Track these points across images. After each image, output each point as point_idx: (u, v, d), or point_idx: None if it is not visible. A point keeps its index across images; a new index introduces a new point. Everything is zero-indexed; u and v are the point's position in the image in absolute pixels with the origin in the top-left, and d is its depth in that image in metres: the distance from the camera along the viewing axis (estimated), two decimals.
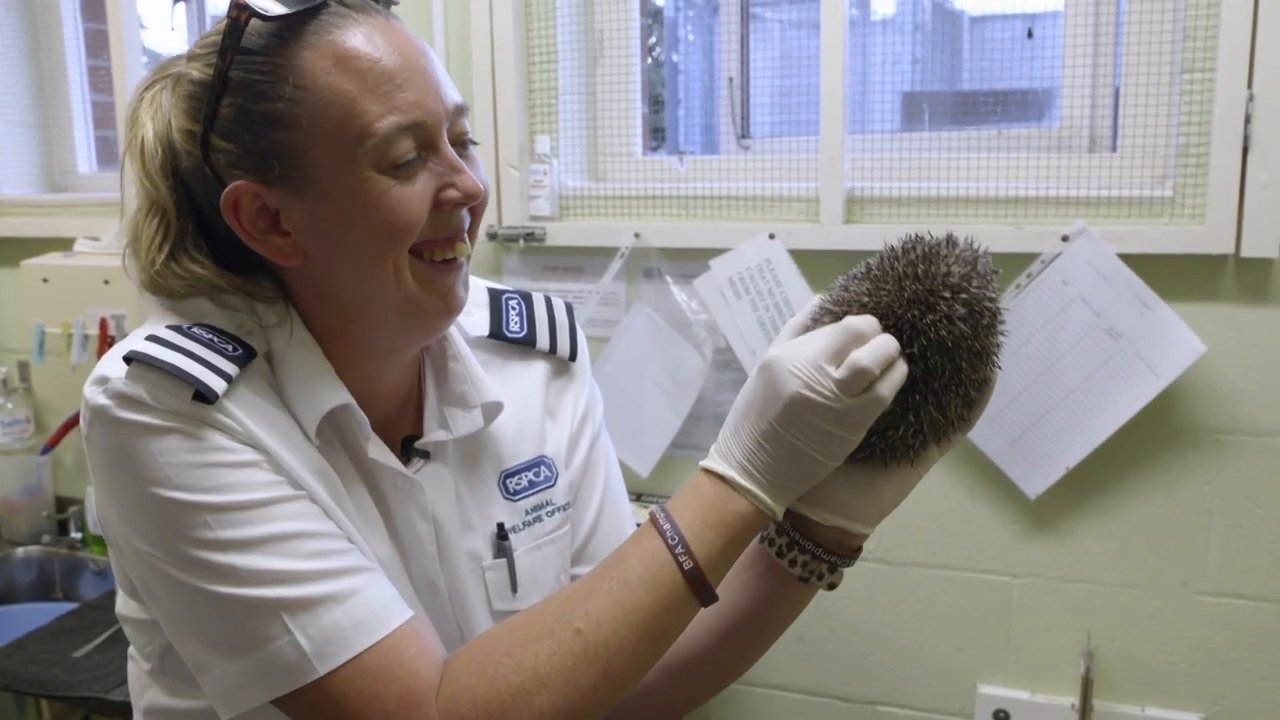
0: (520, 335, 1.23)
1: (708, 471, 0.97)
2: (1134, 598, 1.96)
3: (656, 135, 2.44)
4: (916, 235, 0.97)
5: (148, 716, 1.16)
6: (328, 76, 0.96)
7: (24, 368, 2.81)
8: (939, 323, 0.92)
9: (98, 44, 2.79)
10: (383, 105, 0.96)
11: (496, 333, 1.21)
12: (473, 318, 1.21)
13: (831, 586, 1.07)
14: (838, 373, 0.90)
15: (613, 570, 0.97)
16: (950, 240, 0.96)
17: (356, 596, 0.97)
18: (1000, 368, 0.99)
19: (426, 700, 0.95)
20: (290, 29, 0.97)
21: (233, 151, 0.99)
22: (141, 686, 1.16)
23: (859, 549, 1.06)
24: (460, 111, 1.02)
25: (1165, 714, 1.95)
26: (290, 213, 1.00)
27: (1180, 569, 1.93)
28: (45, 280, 2.56)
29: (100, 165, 2.88)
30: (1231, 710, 1.92)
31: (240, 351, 1.01)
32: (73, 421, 2.70)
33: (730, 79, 2.31)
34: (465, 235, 1.04)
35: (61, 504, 2.77)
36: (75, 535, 2.70)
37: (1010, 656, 2.04)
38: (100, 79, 2.81)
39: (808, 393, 0.90)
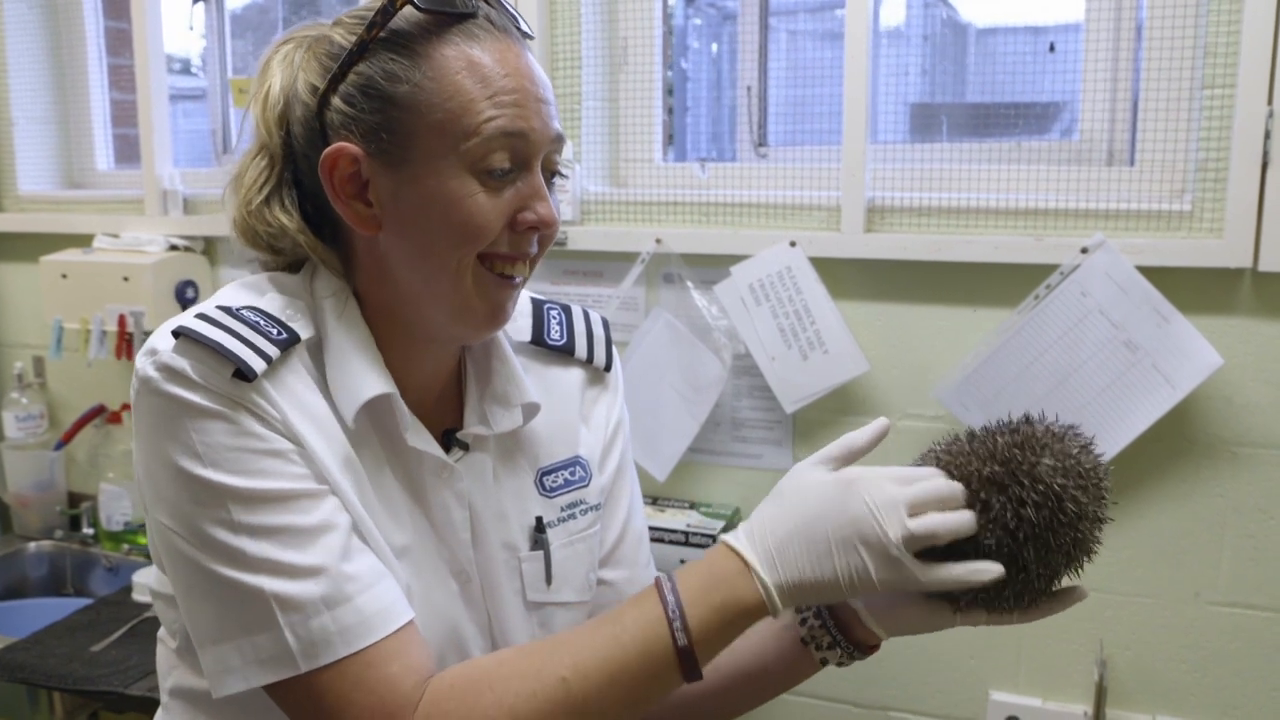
0: (560, 343, 1.29)
1: (730, 549, 1.01)
2: (1147, 607, 1.97)
3: (666, 142, 2.45)
4: (1026, 419, 1.01)
5: (174, 697, 1.19)
6: (457, 75, 1.03)
7: (39, 363, 2.81)
8: (1007, 505, 0.95)
9: (118, 42, 2.81)
10: (495, 111, 1.03)
11: (538, 339, 1.27)
12: (516, 323, 1.26)
13: (840, 664, 1.13)
14: (912, 524, 0.95)
15: (608, 626, 1.01)
16: (1061, 433, 1.00)
17: (349, 603, 1.00)
18: (1079, 576, 1.01)
19: (402, 716, 0.98)
20: (438, 26, 1.04)
21: (348, 115, 1.05)
22: (169, 667, 1.20)
23: (874, 647, 1.12)
24: (559, 141, 1.08)
25: None
26: (380, 185, 1.06)
27: (1193, 579, 1.94)
28: (64, 276, 2.58)
29: (119, 163, 2.89)
30: None
31: (284, 336, 1.06)
32: (87, 417, 2.72)
33: (749, 88, 2.32)
34: (528, 260, 1.10)
35: (74, 499, 2.79)
36: (87, 531, 2.70)
37: (1023, 664, 2.06)
38: (120, 77, 2.83)
39: (873, 522, 0.95)
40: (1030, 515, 0.95)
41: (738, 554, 1.00)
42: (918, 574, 0.95)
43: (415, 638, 1.04)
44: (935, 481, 0.98)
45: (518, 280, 1.10)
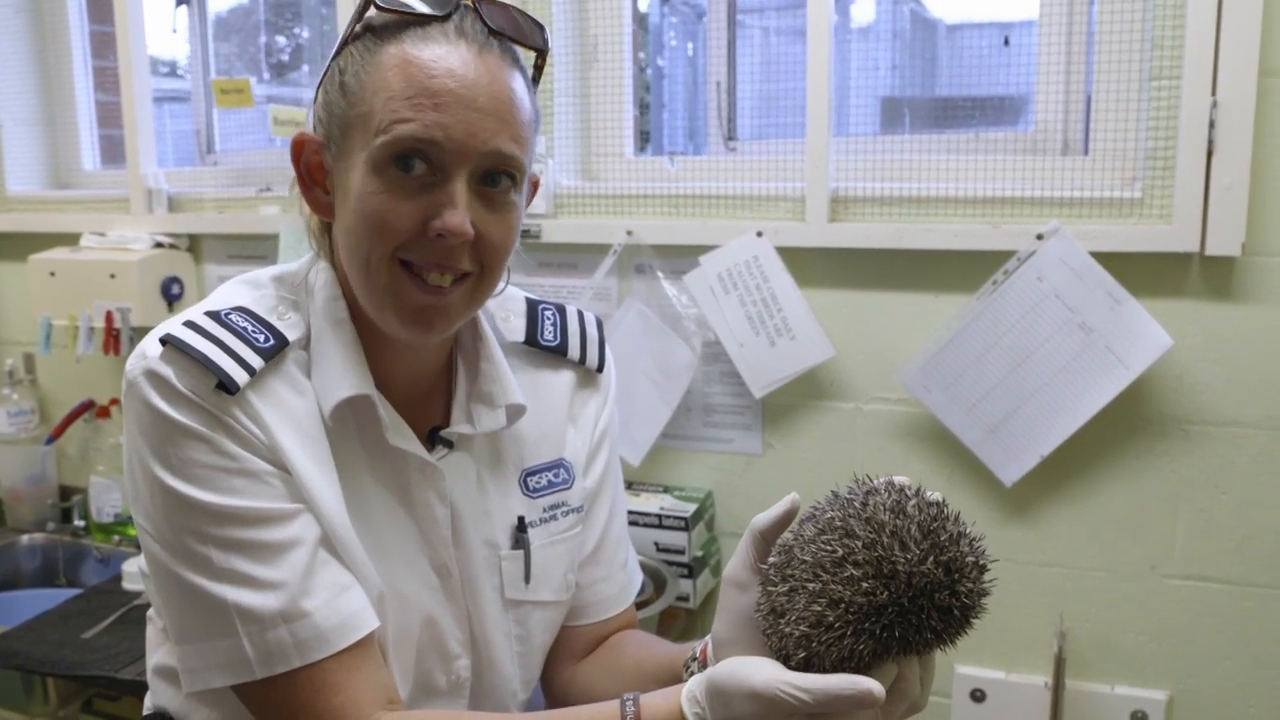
0: (553, 344, 1.30)
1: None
2: (1104, 581, 2.04)
3: (642, 138, 2.51)
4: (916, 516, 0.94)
5: (156, 674, 1.25)
6: (388, 71, 1.03)
7: (29, 359, 2.86)
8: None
9: (103, 45, 2.85)
10: (410, 113, 1.02)
11: (531, 340, 1.29)
12: (510, 324, 1.29)
13: None
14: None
15: None
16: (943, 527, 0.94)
17: (306, 618, 1.05)
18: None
19: None
20: (399, 26, 1.05)
21: (318, 105, 1.10)
22: (154, 645, 1.25)
23: None
24: (499, 158, 1.05)
25: (1134, 692, 2.03)
26: (333, 175, 1.09)
27: (1148, 553, 2.01)
28: (52, 274, 2.63)
29: (105, 163, 2.94)
30: (1196, 688, 2.00)
31: (270, 343, 1.09)
32: (77, 412, 2.77)
33: (718, 83, 2.38)
34: (451, 271, 1.07)
35: (65, 493, 2.84)
36: (79, 523, 2.76)
37: (986, 638, 2.12)
38: (105, 79, 2.88)
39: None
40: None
41: None
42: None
43: (368, 654, 1.08)
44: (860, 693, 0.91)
45: (438, 288, 1.07)
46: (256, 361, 1.07)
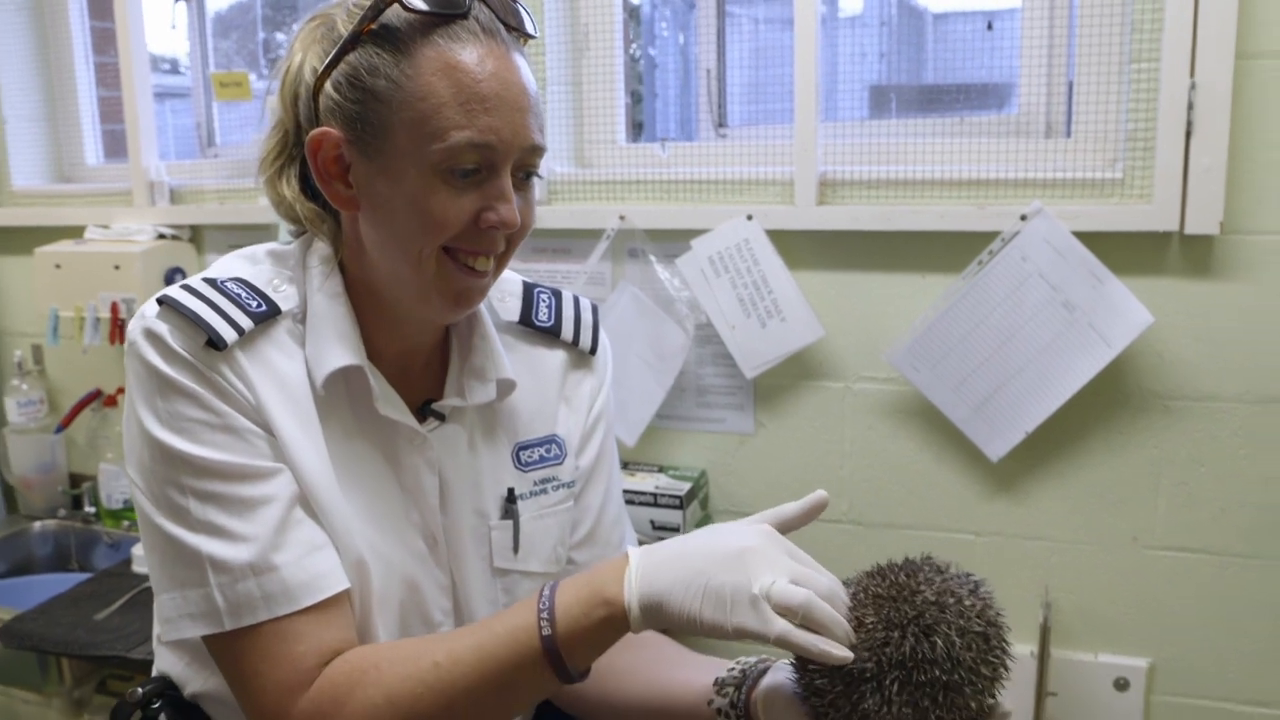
0: (547, 325, 1.35)
1: (625, 556, 1.06)
2: (1088, 553, 2.09)
3: (635, 128, 2.55)
4: (937, 568, 1.03)
5: (159, 642, 1.29)
6: (432, 75, 1.07)
7: (38, 350, 2.91)
8: (879, 626, 0.98)
9: (104, 41, 2.89)
10: (464, 119, 1.07)
11: (526, 320, 1.34)
12: (506, 304, 1.34)
13: None
14: (780, 585, 0.97)
15: (490, 620, 1.08)
16: (966, 582, 1.02)
17: (275, 572, 1.09)
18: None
19: (297, 691, 1.07)
20: (424, 24, 1.08)
21: (335, 101, 1.12)
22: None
23: None
24: (534, 151, 1.12)
25: (1117, 660, 2.08)
26: (359, 170, 1.13)
27: (1131, 525, 2.05)
28: (58, 266, 2.67)
29: (108, 157, 2.98)
30: (1177, 655, 2.05)
31: (263, 309, 1.15)
32: (85, 401, 2.81)
33: (708, 71, 2.42)
34: (493, 255, 1.15)
35: (75, 480, 2.89)
36: (89, 510, 2.81)
37: None
38: (106, 75, 2.92)
39: (748, 566, 0.99)
40: (908, 647, 0.96)
41: (627, 561, 1.04)
42: (767, 622, 0.96)
43: (337, 613, 1.12)
44: (824, 577, 1.01)
45: (482, 272, 1.15)
46: (246, 323, 1.13)
